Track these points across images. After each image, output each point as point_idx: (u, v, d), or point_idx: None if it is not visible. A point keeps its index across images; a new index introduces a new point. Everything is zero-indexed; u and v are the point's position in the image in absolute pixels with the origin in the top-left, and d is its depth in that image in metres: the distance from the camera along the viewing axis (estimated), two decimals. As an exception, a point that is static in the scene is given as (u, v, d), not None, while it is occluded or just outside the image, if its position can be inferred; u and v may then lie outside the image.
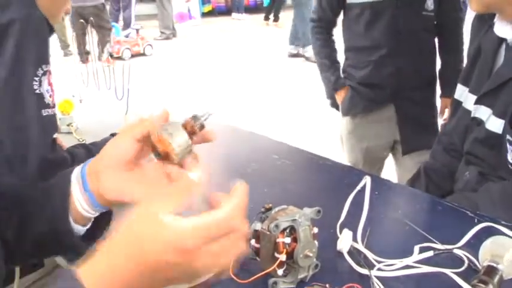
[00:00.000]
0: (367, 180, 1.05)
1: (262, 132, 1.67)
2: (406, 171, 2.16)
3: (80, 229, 0.79)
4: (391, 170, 2.46)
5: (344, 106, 2.28)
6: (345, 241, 0.97)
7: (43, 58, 1.07)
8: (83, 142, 1.22)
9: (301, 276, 0.85)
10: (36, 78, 1.05)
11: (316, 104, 4.77)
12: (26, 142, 1.03)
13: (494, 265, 0.91)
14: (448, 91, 2.17)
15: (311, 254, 0.81)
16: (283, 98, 5.60)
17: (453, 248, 0.98)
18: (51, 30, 1.19)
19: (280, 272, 0.82)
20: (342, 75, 2.29)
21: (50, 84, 1.09)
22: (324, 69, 2.32)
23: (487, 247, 0.95)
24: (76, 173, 0.78)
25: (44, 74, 1.06)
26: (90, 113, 1.77)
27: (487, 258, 0.93)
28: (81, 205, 0.77)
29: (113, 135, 1.33)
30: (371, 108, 2.21)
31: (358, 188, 1.10)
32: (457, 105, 1.52)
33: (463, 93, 1.49)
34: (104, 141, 1.28)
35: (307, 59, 7.15)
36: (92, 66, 1.94)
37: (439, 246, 0.99)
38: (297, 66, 7.15)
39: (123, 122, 1.55)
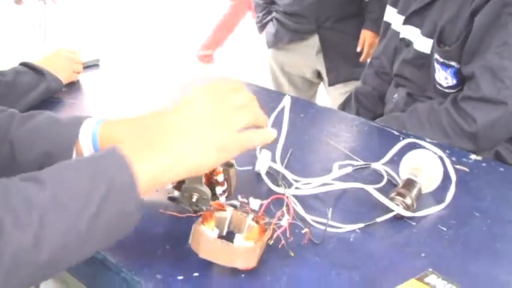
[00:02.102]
0: (286, 100, 1.00)
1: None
2: (335, 100, 2.17)
3: None
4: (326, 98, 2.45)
5: (269, 39, 2.27)
6: (262, 162, 0.93)
7: None
8: None
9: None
10: None
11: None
12: None
13: (413, 178, 0.89)
14: (371, 25, 2.13)
15: (193, 200, 0.76)
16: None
17: (371, 163, 0.96)
18: None
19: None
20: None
21: None
22: (258, 9, 2.31)
23: (407, 161, 0.93)
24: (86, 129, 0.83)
25: None
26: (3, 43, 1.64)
27: (407, 172, 0.91)
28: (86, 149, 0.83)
29: (22, 64, 1.24)
30: (295, 39, 2.19)
31: (279, 109, 1.06)
32: (386, 27, 1.49)
33: (391, 15, 1.46)
34: (13, 71, 1.20)
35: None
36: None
37: (358, 162, 0.97)
38: None
39: (40, 51, 1.44)
